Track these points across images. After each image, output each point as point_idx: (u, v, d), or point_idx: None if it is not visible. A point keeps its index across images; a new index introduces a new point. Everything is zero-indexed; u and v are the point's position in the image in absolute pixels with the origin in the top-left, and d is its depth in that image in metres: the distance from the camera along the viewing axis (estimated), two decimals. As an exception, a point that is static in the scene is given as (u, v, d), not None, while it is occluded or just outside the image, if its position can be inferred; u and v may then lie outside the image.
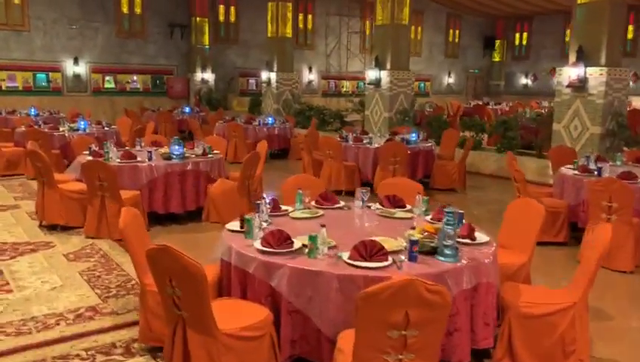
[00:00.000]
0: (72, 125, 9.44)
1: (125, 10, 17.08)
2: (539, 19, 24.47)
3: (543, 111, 12.90)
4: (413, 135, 8.19)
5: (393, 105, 11.46)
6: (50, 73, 15.91)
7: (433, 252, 2.90)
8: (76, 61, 16.24)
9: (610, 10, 8.02)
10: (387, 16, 11.38)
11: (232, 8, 19.14)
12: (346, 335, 2.51)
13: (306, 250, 2.88)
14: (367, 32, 21.71)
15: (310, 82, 21.06)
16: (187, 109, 15.03)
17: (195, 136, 11.05)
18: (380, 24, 11.67)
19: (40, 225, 5.87)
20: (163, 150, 6.30)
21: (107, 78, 16.97)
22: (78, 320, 3.64)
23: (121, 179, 5.59)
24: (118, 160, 5.91)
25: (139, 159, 5.94)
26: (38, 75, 15.72)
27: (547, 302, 2.98)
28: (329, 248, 2.93)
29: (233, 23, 19.31)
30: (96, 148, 6.35)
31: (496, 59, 26.27)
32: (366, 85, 12.07)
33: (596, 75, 8.04)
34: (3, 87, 15.18)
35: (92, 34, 16.51)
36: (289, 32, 15.01)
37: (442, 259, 2.84)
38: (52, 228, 5.73)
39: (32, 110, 12.35)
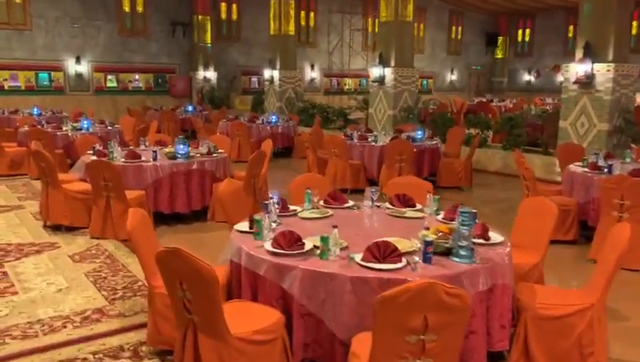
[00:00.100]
0: (75, 125, 9.40)
1: (127, 8, 17.01)
2: (542, 15, 24.35)
3: (548, 108, 12.80)
4: (419, 133, 8.13)
5: (397, 102, 11.39)
6: (52, 72, 15.85)
7: (447, 253, 2.84)
8: (78, 60, 16.18)
9: (617, 5, 7.94)
10: (391, 12, 11.30)
11: (234, 6, 19.06)
12: (361, 339, 2.46)
13: (318, 252, 2.82)
14: (370, 30, 21.63)
15: (312, 80, 20.98)
16: (190, 108, 14.98)
17: (198, 135, 11.00)
18: (384, 21, 11.59)
19: (44, 226, 5.83)
20: (168, 149, 6.25)
21: (109, 76, 16.92)
22: (84, 323, 3.59)
23: (126, 178, 5.55)
24: (123, 159, 5.86)
25: (143, 159, 5.89)
26: (40, 75, 15.67)
27: (564, 304, 2.92)
28: (341, 249, 2.87)
29: (235, 20, 19.23)
30: (101, 148, 6.29)
31: (499, 55, 26.16)
32: (370, 83, 12.00)
33: (603, 72, 7.96)
34: (5, 87, 15.13)
35: (94, 32, 16.45)
36: (292, 29, 14.93)
37: (457, 260, 2.78)
38: (56, 228, 5.69)
39: (35, 110, 12.31)
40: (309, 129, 11.95)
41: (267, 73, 15.22)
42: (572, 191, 5.68)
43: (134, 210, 3.20)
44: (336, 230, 2.84)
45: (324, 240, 2.77)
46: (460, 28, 25.24)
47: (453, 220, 3.42)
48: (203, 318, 2.46)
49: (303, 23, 20.20)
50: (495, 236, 3.15)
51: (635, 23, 19.24)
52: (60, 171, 6.15)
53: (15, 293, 4.07)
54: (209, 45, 18.16)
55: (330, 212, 3.75)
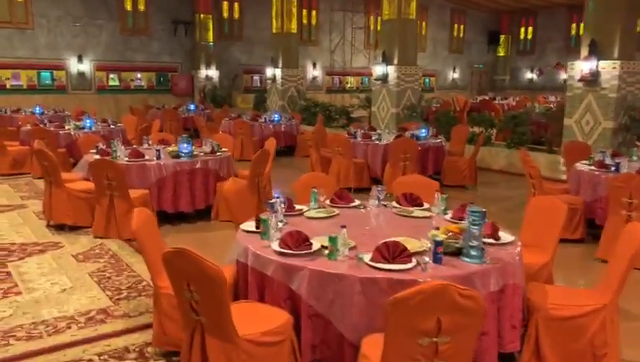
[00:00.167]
0: (77, 123, 9.37)
1: (129, 7, 16.97)
2: (544, 13, 24.27)
3: (551, 106, 12.74)
4: (423, 131, 8.08)
5: (400, 100, 11.34)
6: (54, 71, 15.83)
7: (457, 253, 2.80)
8: (80, 59, 16.15)
9: (623, 2, 7.87)
10: (394, 10, 11.24)
11: (236, 4, 19.02)
12: (371, 341, 2.42)
13: (326, 252, 2.78)
14: (372, 28, 21.57)
15: (314, 78, 20.93)
16: (192, 107, 14.95)
17: (200, 134, 10.96)
18: (386, 19, 11.53)
19: (47, 225, 5.79)
20: (171, 148, 6.21)
21: (111, 75, 16.89)
22: (89, 323, 3.56)
23: (130, 177, 5.51)
24: (126, 158, 5.82)
25: (147, 158, 5.86)
26: (42, 74, 15.64)
27: (576, 304, 2.88)
28: (349, 249, 2.83)
29: (237, 19, 19.18)
30: (104, 147, 6.26)
31: (501, 54, 26.09)
32: (373, 81, 11.94)
33: (609, 69, 7.89)
34: (7, 86, 15.11)
35: (96, 31, 16.42)
36: (294, 27, 14.87)
37: (468, 260, 2.73)
38: (60, 228, 5.66)
39: (37, 108, 12.28)
40: (311, 127, 11.90)
41: (269, 71, 15.17)
42: (579, 189, 5.63)
43: (139, 209, 3.16)
44: (344, 230, 2.80)
45: (333, 240, 2.73)
46: (461, 26, 25.17)
47: (461, 219, 3.38)
48: (211, 320, 2.42)
49: (305, 21, 20.15)
50: (505, 235, 3.11)
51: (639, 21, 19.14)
52: (62, 170, 6.11)
53: (19, 293, 4.03)
54: (211, 44, 18.12)
55: (337, 211, 3.71)
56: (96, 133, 8.77)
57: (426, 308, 2.00)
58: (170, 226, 5.78)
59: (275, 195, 3.54)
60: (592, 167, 5.61)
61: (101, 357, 3.13)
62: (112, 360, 3.11)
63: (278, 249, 2.82)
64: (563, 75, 23.75)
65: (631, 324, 3.65)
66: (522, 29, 25.60)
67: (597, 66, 7.94)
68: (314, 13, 20.67)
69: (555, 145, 8.99)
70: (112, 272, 4.49)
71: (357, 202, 3.93)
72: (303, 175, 4.57)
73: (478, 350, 2.63)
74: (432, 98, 14.14)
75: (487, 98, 18.15)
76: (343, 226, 2.82)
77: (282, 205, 3.47)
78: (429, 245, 2.81)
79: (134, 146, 6.69)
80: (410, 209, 3.74)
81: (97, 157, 5.91)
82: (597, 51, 7.96)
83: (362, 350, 2.42)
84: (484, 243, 2.87)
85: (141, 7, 17.19)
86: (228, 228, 5.62)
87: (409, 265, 2.62)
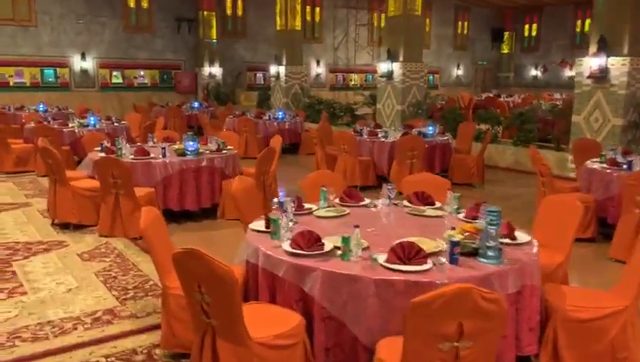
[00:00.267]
0: (81, 121, 9.31)
1: (132, 4, 16.91)
2: (548, 10, 24.13)
3: (558, 103, 12.63)
4: (430, 128, 8.00)
5: (406, 97, 11.24)
6: (57, 69, 15.79)
7: (474, 253, 2.73)
8: (83, 56, 16.11)
9: (633, -2, 7.78)
10: (399, 6, 11.14)
11: (240, 2, 18.94)
12: (387, 344, 2.35)
13: (339, 252, 2.71)
14: (375, 24, 21.45)
15: (318, 76, 20.86)
16: (196, 104, 14.89)
17: (204, 132, 10.90)
18: (392, 15, 11.43)
19: (52, 224, 5.74)
20: (177, 146, 6.14)
21: (115, 73, 16.84)
22: (96, 324, 3.50)
23: (135, 176, 5.44)
24: (132, 156, 5.76)
25: (152, 155, 5.79)
26: (45, 71, 15.60)
27: (596, 306, 2.81)
28: (362, 250, 2.76)
29: (241, 16, 19.10)
30: (108, 145, 6.19)
31: (505, 51, 25.97)
32: (378, 78, 11.85)
33: (618, 66, 7.80)
34: (11, 83, 15.07)
35: (99, 29, 16.37)
36: (298, 24, 14.79)
37: (485, 260, 2.66)
38: (64, 226, 5.60)
39: (41, 106, 12.23)
40: (315, 125, 11.83)
41: (273, 69, 15.09)
42: (589, 187, 5.56)
43: (147, 208, 3.09)
44: (357, 230, 2.73)
45: (346, 240, 2.67)
46: (465, 23, 25.05)
47: (474, 218, 3.31)
48: (222, 322, 2.36)
49: (308, 18, 20.04)
50: (521, 235, 3.04)
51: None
52: (66, 168, 6.05)
53: (24, 293, 3.98)
54: (214, 41, 18.04)
55: (347, 210, 3.64)
56: (101, 130, 8.71)
57: (447, 312, 1.93)
58: (176, 225, 5.72)
59: (281, 194, 3.48)
60: (604, 165, 5.53)
61: (108, 359, 3.07)
62: (120, 362, 3.06)
63: (289, 249, 2.75)
64: (568, 72, 23.65)
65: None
66: (527, 26, 25.46)
67: (606, 63, 7.84)
68: (317, 10, 20.57)
69: (563, 142, 8.90)
70: (118, 272, 4.43)
71: (367, 201, 3.86)
72: (308, 173, 4.51)
73: (497, 353, 2.56)
74: (437, 95, 14.03)
75: (491, 95, 18.03)
76: (356, 226, 2.75)
77: (292, 204, 3.40)
78: (445, 245, 2.74)
79: (139, 144, 6.63)
80: (422, 208, 3.67)
81: (102, 155, 5.85)
82: (606, 47, 7.86)
83: (378, 354, 2.36)
84: (501, 243, 2.80)
85: (144, 5, 17.13)
86: (234, 227, 5.57)
87: (425, 267, 2.55)
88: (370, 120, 11.72)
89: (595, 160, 5.87)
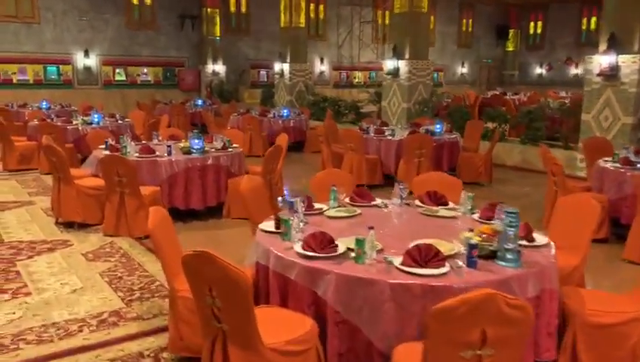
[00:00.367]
0: (85, 118, 9.23)
1: (135, 1, 16.84)
2: (554, 7, 23.98)
3: (566, 101, 12.51)
4: (438, 126, 7.90)
5: (412, 95, 11.14)
6: (60, 66, 15.73)
7: (491, 256, 2.64)
8: (87, 53, 16.04)
9: (644, -6, 7.66)
10: (405, 3, 11.02)
11: (243, -1, 18.86)
12: (404, 350, 2.28)
13: (352, 255, 2.63)
14: (380, 22, 21.33)
15: (322, 73, 20.76)
16: (200, 102, 14.80)
17: (209, 130, 10.81)
18: (397, 12, 11.32)
19: (56, 223, 5.67)
20: (182, 144, 6.07)
21: (118, 70, 16.77)
22: (101, 326, 3.42)
23: (140, 174, 5.37)
24: (137, 154, 5.69)
25: (158, 154, 5.72)
26: (48, 68, 15.54)
27: (617, 311, 2.72)
28: (376, 252, 2.68)
29: (244, 13, 19.01)
30: (113, 143, 6.12)
31: (510, 48, 25.83)
32: (383, 75, 11.75)
33: (629, 63, 7.68)
34: (14, 81, 15.02)
35: (102, 26, 16.30)
36: (302, 22, 14.69)
37: (503, 263, 2.58)
38: (69, 225, 5.54)
39: (44, 103, 12.17)
40: (319, 123, 11.74)
41: (277, 66, 15.00)
42: (602, 187, 5.46)
43: (155, 208, 3.01)
44: (372, 231, 2.64)
45: (360, 243, 2.58)
46: (470, 20, 24.91)
47: (490, 219, 3.23)
48: (234, 327, 2.28)
49: (312, 15, 19.93)
50: (539, 237, 2.95)
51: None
52: (70, 166, 5.97)
53: (28, 294, 3.91)
54: (218, 38, 17.95)
55: (359, 210, 3.55)
56: (104, 128, 8.64)
57: (470, 319, 1.85)
58: (182, 224, 5.64)
59: (286, 192, 3.39)
60: (617, 164, 5.43)
61: (115, 363, 3.00)
62: (127, 365, 2.99)
63: (301, 251, 2.67)
64: (573, 70, 23.52)
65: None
66: (532, 24, 25.32)
67: (616, 60, 7.73)
68: (321, 7, 20.46)
69: (571, 141, 8.80)
70: (123, 272, 4.35)
71: (378, 201, 3.77)
72: (313, 171, 4.44)
73: (516, 360, 2.48)
74: (443, 93, 13.92)
75: (497, 93, 17.90)
76: (371, 228, 2.66)
77: (303, 204, 3.31)
78: (462, 248, 2.66)
79: (144, 142, 6.55)
80: (435, 208, 3.58)
81: (107, 153, 5.78)
82: (616, 45, 7.75)
83: (395, 360, 2.28)
84: (520, 245, 2.72)
85: (147, 1, 17.07)
86: (240, 226, 5.50)
87: (442, 270, 2.46)
88: (376, 118, 11.61)
89: (607, 159, 5.77)
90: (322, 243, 2.68)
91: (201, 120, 12.76)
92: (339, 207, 3.61)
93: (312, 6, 19.76)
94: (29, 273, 4.31)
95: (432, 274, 2.43)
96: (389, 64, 11.28)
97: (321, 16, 20.56)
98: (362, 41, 20.76)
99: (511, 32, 25.40)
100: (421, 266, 2.47)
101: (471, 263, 2.54)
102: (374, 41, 21.21)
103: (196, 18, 17.76)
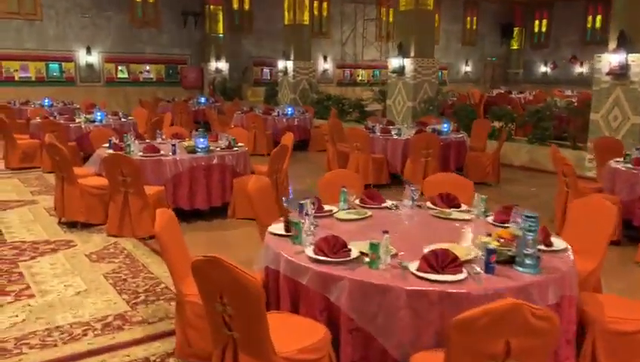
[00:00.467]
0: (88, 116, 9.15)
1: (138, -2, 16.76)
2: (559, 5, 23.82)
3: (573, 100, 12.40)
4: (445, 125, 7.81)
5: (417, 94, 11.04)
6: (63, 63, 15.65)
7: (509, 261, 2.56)
8: (89, 51, 15.97)
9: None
10: (411, 1, 10.92)
11: (246, -5, 18.76)
12: (421, 359, 2.20)
13: (366, 259, 2.55)
14: (384, 19, 21.21)
15: (325, 71, 20.65)
16: (203, 100, 14.71)
17: (212, 128, 10.74)
18: (403, 9, 11.21)
19: (59, 222, 5.59)
20: (187, 143, 5.99)
21: (120, 67, 16.70)
22: (106, 330, 3.35)
23: (144, 173, 5.29)
24: (141, 153, 5.61)
25: (162, 153, 5.63)
26: (50, 65, 15.47)
27: (637, 318, 2.64)
28: (391, 256, 2.60)
29: (247, 11, 18.91)
30: (117, 141, 6.04)
31: (515, 46, 25.67)
32: (388, 73, 11.65)
33: (639, 62, 7.58)
34: (16, 78, 14.95)
35: (104, 23, 16.22)
36: (306, 19, 14.59)
37: (521, 269, 2.49)
38: (72, 225, 5.46)
39: (46, 101, 12.10)
40: (323, 121, 11.66)
41: (281, 64, 14.90)
42: (613, 188, 5.37)
43: (162, 210, 2.94)
44: (387, 236, 2.56)
45: (375, 247, 2.50)
46: (474, 18, 24.77)
47: (504, 222, 3.15)
48: (245, 335, 2.20)
49: (315, 13, 19.82)
50: (557, 241, 2.87)
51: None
52: (73, 165, 5.90)
53: (32, 296, 3.83)
54: (221, 36, 17.86)
55: (369, 212, 3.47)
56: (107, 126, 8.56)
57: (494, 330, 1.77)
58: (186, 224, 5.54)
59: (290, 192, 3.31)
60: (629, 165, 5.34)
61: (120, 369, 2.93)
62: (132, 371, 2.91)
63: (313, 256, 2.59)
64: (578, 69, 23.38)
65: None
66: (536, 22, 25.16)
67: (626, 59, 7.63)
68: (325, 4, 20.35)
69: (579, 140, 8.70)
70: (127, 274, 4.28)
71: (389, 203, 3.69)
72: (318, 170, 4.39)
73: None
74: (448, 91, 13.81)
75: (502, 92, 17.79)
76: (385, 232, 2.58)
77: (313, 206, 3.23)
78: (479, 252, 2.58)
79: (148, 141, 6.47)
80: (448, 210, 3.50)
81: (110, 151, 5.71)
82: (626, 43, 7.64)
83: (411, 370, 2.20)
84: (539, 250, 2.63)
85: (150, -2, 16.98)
86: (246, 227, 5.42)
87: (460, 276, 2.38)
88: (381, 116, 11.52)
89: (618, 160, 5.67)
90: (335, 247, 2.61)
91: (204, 118, 12.68)
92: (349, 208, 3.53)
93: (315, 3, 19.66)
94: (32, 274, 4.23)
95: (449, 280, 2.35)
96: (395, 62, 11.18)
97: (325, 13, 20.44)
98: (366, 38, 20.65)
99: (515, 30, 25.24)
100: (438, 272, 2.39)
101: (489, 269, 2.45)
102: (378, 39, 21.09)
103: (199, 15, 17.67)
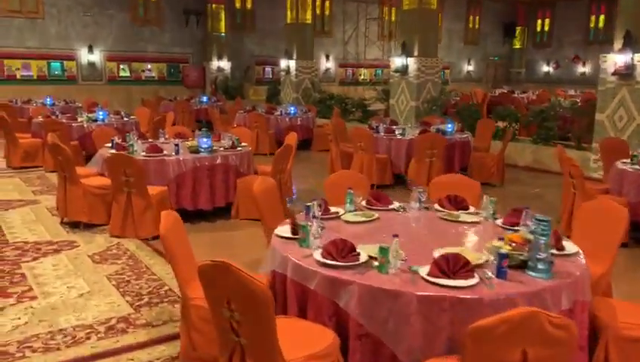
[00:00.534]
0: (90, 115, 9.10)
1: (140, -3, 16.70)
2: (561, 5, 23.74)
3: (577, 100, 12.34)
4: (449, 125, 7.76)
5: (420, 93, 10.99)
6: (64, 62, 15.60)
7: (521, 266, 2.51)
8: (91, 49, 15.92)
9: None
10: (414, 0, 10.87)
11: (249, -6, 18.70)
12: (433, 367, 2.15)
13: (375, 264, 2.50)
14: (386, 19, 21.14)
15: (327, 70, 20.59)
16: (205, 99, 14.66)
17: (215, 127, 10.69)
18: (406, 9, 11.16)
19: (61, 222, 5.55)
20: (190, 143, 5.94)
21: (122, 66, 16.64)
22: (110, 333, 3.30)
23: (147, 173, 5.24)
24: (144, 153, 5.56)
25: (165, 152, 5.59)
26: (52, 64, 15.42)
27: (651, 324, 2.59)
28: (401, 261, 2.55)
29: (249, 9, 18.85)
30: (119, 141, 6.00)
31: (517, 46, 25.60)
32: (391, 73, 11.59)
33: (645, 62, 7.53)
34: (18, 76, 14.91)
35: (106, 22, 16.17)
36: (309, 18, 14.53)
37: (534, 274, 2.44)
38: (74, 225, 5.41)
39: (48, 99, 12.06)
40: (326, 121, 11.61)
41: (283, 63, 14.85)
42: (621, 189, 5.32)
43: (167, 212, 2.89)
44: (397, 239, 2.51)
45: (384, 251, 2.45)
46: (477, 17, 24.69)
47: (514, 225, 3.11)
48: (253, 342, 2.15)
49: (318, 12, 19.76)
50: (569, 245, 2.82)
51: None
52: (76, 164, 5.86)
53: (34, 298, 3.79)
54: (223, 35, 17.80)
55: (376, 215, 3.42)
56: (110, 125, 8.51)
57: (511, 339, 1.73)
58: (190, 225, 5.49)
59: (294, 193, 3.27)
60: (637, 166, 5.29)
61: (124, 373, 2.89)
62: (137, 376, 2.87)
63: (321, 259, 2.55)
64: (581, 68, 23.31)
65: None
66: (539, 21, 25.08)
67: (632, 59, 7.57)
68: (327, 3, 20.29)
69: (585, 141, 8.65)
70: (130, 275, 4.23)
71: (396, 204, 3.64)
72: (322, 170, 4.34)
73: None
74: (451, 91, 13.76)
75: (505, 91, 17.72)
76: (395, 235, 2.53)
77: (319, 208, 3.18)
78: (490, 257, 2.53)
79: (151, 140, 6.43)
80: (456, 213, 3.45)
81: (113, 151, 5.66)
82: (632, 43, 7.58)
83: (423, 377, 2.15)
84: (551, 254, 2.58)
85: (152, -3, 16.92)
86: (249, 227, 5.38)
87: (472, 282, 2.33)
88: (384, 116, 11.47)
89: (625, 160, 5.62)
90: (343, 251, 2.56)
91: (207, 117, 12.63)
92: (356, 210, 3.48)
93: (317, 2, 19.59)
94: (34, 275, 4.19)
95: (460, 285, 2.30)
96: (398, 61, 11.13)
97: (327, 12, 20.38)
98: (368, 38, 20.59)
99: (518, 29, 25.17)
100: (449, 277, 2.34)
101: (501, 274, 2.41)
102: (380, 38, 21.03)
103: (201, 14, 17.62)
